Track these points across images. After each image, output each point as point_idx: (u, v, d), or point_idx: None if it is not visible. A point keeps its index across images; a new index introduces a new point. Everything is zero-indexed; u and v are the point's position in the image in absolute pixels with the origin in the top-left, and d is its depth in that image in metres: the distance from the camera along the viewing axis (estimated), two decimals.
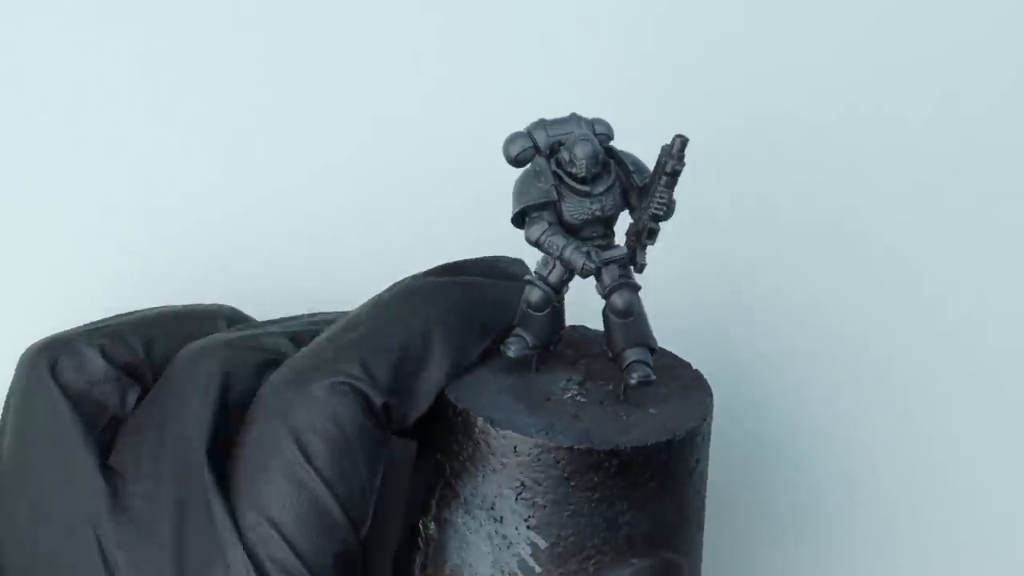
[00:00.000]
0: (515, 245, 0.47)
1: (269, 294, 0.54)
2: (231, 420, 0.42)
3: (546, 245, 0.43)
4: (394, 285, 0.47)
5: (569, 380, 0.45)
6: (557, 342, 0.46)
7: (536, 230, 0.43)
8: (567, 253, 0.42)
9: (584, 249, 0.42)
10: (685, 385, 0.46)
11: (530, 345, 0.45)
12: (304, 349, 0.44)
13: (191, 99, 0.56)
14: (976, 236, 0.58)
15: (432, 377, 0.44)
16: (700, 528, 0.46)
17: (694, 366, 0.47)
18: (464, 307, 0.45)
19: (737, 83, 0.58)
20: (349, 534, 0.41)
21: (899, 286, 0.58)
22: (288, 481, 0.40)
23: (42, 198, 0.56)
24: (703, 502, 0.46)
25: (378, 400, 0.42)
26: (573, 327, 0.47)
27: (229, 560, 0.39)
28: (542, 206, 0.43)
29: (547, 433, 0.42)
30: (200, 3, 0.56)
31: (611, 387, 0.45)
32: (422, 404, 0.44)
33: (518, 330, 0.45)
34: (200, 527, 0.40)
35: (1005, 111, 0.58)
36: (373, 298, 0.46)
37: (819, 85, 0.58)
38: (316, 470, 0.40)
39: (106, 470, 0.42)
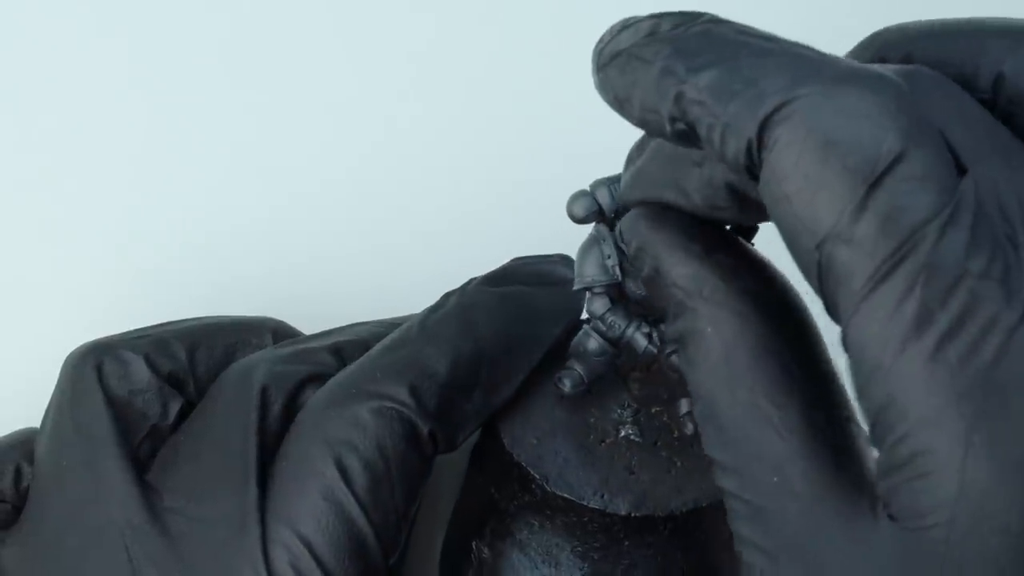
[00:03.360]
0: (524, 244, 0.47)
1: (294, 301, 0.53)
2: (271, 436, 0.42)
3: (608, 323, 0.41)
4: (445, 299, 0.45)
5: (623, 408, 0.45)
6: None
7: (599, 307, 0.41)
8: (629, 333, 0.41)
9: (646, 331, 0.41)
10: None
11: (585, 380, 0.44)
12: (351, 366, 0.44)
13: (216, 104, 0.54)
14: None
15: (480, 400, 0.43)
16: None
17: None
18: (514, 322, 0.45)
19: None
20: (379, 560, 0.41)
21: None
22: (325, 501, 0.40)
23: (72, 204, 0.54)
24: None
25: (425, 428, 0.42)
26: None
27: (250, 574, 0.39)
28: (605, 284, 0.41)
29: (603, 496, 0.42)
30: (209, 14, 0.52)
31: (666, 417, 0.45)
32: (470, 427, 0.43)
33: (573, 362, 0.44)
34: (229, 541, 0.40)
35: None
36: (422, 313, 0.45)
37: None
38: (354, 494, 0.40)
39: (143, 484, 0.42)
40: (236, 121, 0.55)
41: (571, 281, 0.45)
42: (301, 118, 0.56)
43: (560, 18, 0.55)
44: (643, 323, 0.41)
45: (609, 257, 0.40)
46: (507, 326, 0.44)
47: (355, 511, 0.40)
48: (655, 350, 0.41)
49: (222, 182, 0.56)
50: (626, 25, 0.32)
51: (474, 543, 0.46)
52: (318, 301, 0.52)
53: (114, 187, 0.55)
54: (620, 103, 0.32)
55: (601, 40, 0.33)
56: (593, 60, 0.33)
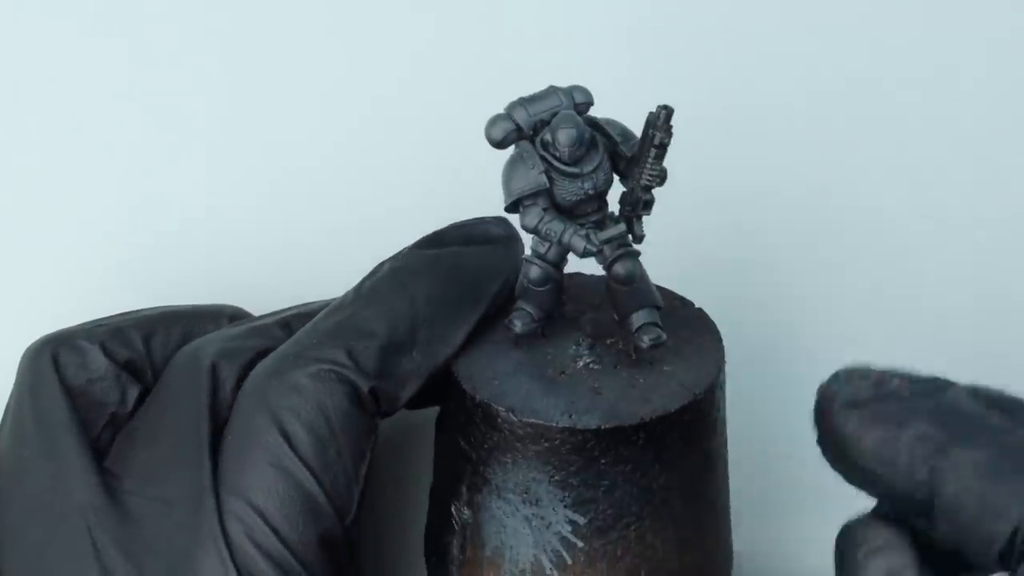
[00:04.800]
0: None
1: (266, 291, 0.53)
2: (225, 412, 0.42)
3: (544, 232, 0.42)
4: (378, 267, 0.46)
5: (578, 345, 0.45)
6: (561, 307, 0.46)
7: (532, 218, 0.42)
8: (566, 238, 0.42)
9: (583, 232, 0.42)
10: (692, 329, 0.46)
11: (535, 318, 0.44)
12: (291, 338, 0.44)
13: (184, 97, 0.55)
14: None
15: (420, 358, 0.44)
16: (726, 465, 0.47)
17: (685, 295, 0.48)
18: (449, 281, 0.45)
19: (731, 54, 0.57)
20: (334, 522, 0.41)
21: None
22: (273, 468, 0.40)
23: (36, 197, 0.55)
24: (725, 441, 0.46)
25: (365, 386, 0.42)
26: (569, 275, 0.46)
27: (212, 549, 0.39)
28: (535, 194, 0.41)
29: (571, 416, 0.42)
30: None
31: (621, 345, 0.45)
32: (412, 386, 0.44)
33: (520, 303, 0.44)
34: (187, 520, 0.40)
35: (1007, 104, 0.58)
36: (358, 283, 0.45)
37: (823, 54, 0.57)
38: (300, 458, 0.40)
39: (102, 470, 0.42)
40: (223, 118, 0.56)
41: (506, 239, 0.46)
42: (290, 114, 0.56)
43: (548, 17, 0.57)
44: (579, 227, 0.42)
45: (533, 167, 0.41)
46: (442, 286, 0.45)
47: (303, 474, 0.40)
48: (594, 248, 0.41)
49: (212, 179, 0.56)
50: (858, 376, 0.37)
51: (453, 507, 0.45)
52: (281, 293, 0.52)
53: (74, 182, 0.55)
54: (848, 446, 0.37)
55: (830, 386, 0.38)
56: (820, 402, 0.38)
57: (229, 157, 0.56)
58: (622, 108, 0.43)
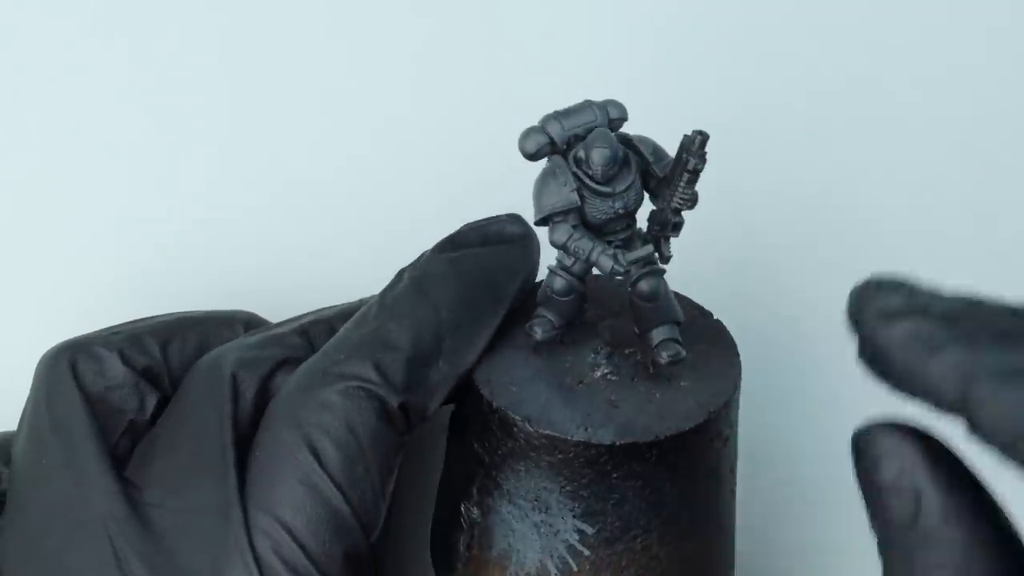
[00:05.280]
0: None
1: (279, 296, 0.53)
2: (245, 423, 0.43)
3: (572, 249, 0.42)
4: (398, 276, 0.46)
5: (596, 353, 0.45)
6: (582, 314, 0.46)
7: (562, 235, 0.42)
8: (594, 257, 0.42)
9: (611, 252, 0.42)
10: (709, 343, 0.46)
11: (556, 326, 0.44)
12: (318, 352, 0.44)
13: (194, 101, 0.55)
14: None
15: (447, 367, 0.44)
16: (734, 479, 0.47)
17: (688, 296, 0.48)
18: (470, 286, 0.45)
19: (732, 54, 0.57)
20: (360, 539, 0.41)
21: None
22: (302, 485, 0.40)
23: (50, 202, 0.54)
24: (736, 455, 0.47)
25: (394, 401, 0.42)
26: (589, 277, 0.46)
27: (239, 563, 0.39)
28: (565, 211, 0.42)
29: (587, 429, 0.42)
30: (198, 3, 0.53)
31: (639, 356, 0.45)
32: (439, 396, 0.44)
33: (542, 310, 0.45)
34: (212, 531, 0.40)
35: (1008, 104, 0.57)
36: (380, 292, 0.46)
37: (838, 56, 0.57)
38: (329, 475, 0.41)
39: (123, 480, 0.42)
40: (233, 120, 0.56)
41: (522, 237, 0.46)
42: (301, 117, 0.56)
43: (566, 7, 0.57)
44: (608, 246, 0.42)
45: (566, 184, 0.41)
46: (463, 290, 0.45)
47: (331, 492, 0.41)
48: (622, 269, 0.42)
49: (224, 183, 0.56)
50: (892, 286, 0.34)
51: (463, 506, 0.45)
52: (294, 297, 0.53)
53: (87, 186, 0.55)
54: (877, 358, 0.34)
55: (863, 291, 0.35)
56: (852, 304, 0.34)
57: (241, 160, 0.55)
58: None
